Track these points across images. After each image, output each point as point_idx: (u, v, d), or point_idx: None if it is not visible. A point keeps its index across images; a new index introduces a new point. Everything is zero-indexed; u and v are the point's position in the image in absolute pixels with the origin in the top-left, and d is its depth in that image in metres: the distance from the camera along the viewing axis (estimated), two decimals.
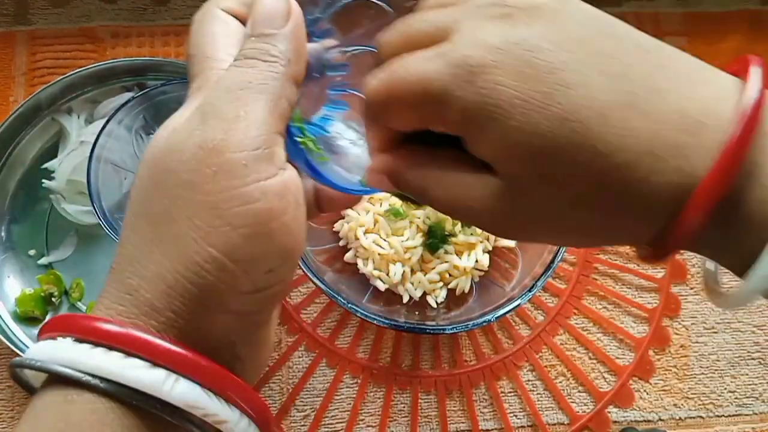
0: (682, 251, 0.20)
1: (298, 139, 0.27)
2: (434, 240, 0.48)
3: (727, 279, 0.25)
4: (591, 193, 0.21)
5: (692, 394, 0.52)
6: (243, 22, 0.25)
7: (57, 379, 0.20)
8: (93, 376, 0.20)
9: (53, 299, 0.50)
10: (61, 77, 0.52)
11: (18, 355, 0.46)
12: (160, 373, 0.20)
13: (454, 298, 0.50)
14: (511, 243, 0.50)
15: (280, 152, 0.22)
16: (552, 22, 0.21)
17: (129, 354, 0.20)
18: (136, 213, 0.22)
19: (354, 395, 0.51)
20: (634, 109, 0.20)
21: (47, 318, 0.50)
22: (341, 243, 0.51)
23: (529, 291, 0.44)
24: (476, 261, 0.49)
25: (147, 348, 0.20)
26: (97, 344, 0.20)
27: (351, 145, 0.30)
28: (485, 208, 0.22)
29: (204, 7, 0.25)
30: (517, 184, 0.21)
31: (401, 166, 0.24)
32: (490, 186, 0.22)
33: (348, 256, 0.50)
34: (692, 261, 0.55)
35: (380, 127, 0.24)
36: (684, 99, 0.20)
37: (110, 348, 0.20)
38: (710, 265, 0.26)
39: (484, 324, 0.44)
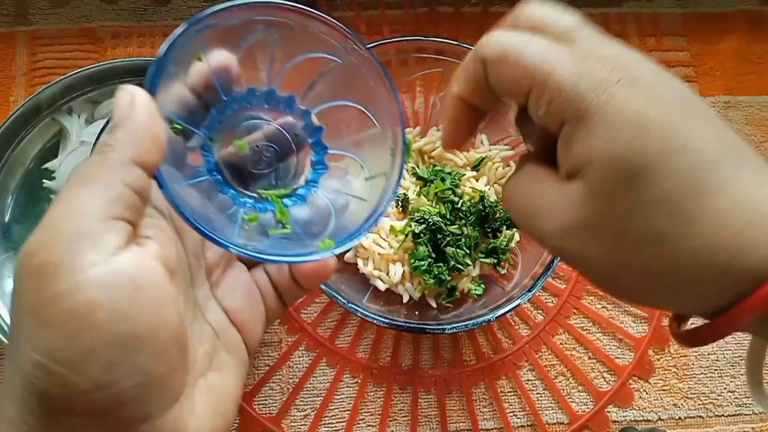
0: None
1: (246, 217, 0.27)
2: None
3: None
4: (655, 245, 0.21)
5: (692, 393, 0.52)
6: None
7: None
8: None
9: None
10: (62, 77, 0.52)
11: None
12: None
13: (454, 298, 0.50)
14: (511, 243, 0.50)
15: (110, 239, 0.21)
16: (668, 82, 0.23)
17: None
18: None
19: (354, 395, 0.51)
20: (724, 181, 0.21)
21: None
22: None
23: (529, 291, 0.44)
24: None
25: None
26: None
27: (324, 210, 0.29)
28: (562, 215, 0.23)
29: None
30: (599, 197, 0.22)
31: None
32: (571, 194, 0.23)
33: (348, 256, 0.50)
34: None
35: (475, 71, 0.25)
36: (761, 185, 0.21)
37: None
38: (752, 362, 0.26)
39: (484, 324, 0.44)
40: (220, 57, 0.26)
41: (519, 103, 0.25)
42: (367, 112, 0.29)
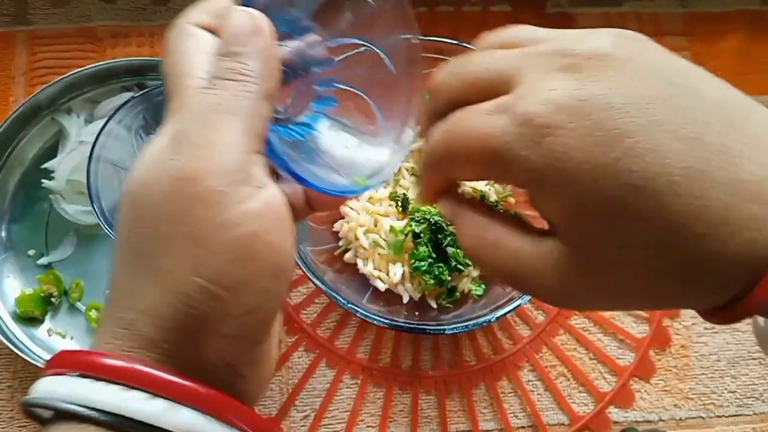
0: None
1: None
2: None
3: None
4: (663, 261, 0.20)
5: (693, 394, 0.52)
6: (217, 34, 0.25)
7: (62, 415, 0.21)
8: (95, 410, 0.20)
9: (53, 299, 0.50)
10: (61, 77, 0.52)
11: (17, 354, 0.46)
12: (159, 404, 0.20)
13: (455, 299, 0.50)
14: None
15: (257, 172, 0.22)
16: (622, 75, 0.20)
17: (128, 387, 0.20)
18: (122, 246, 0.22)
19: (354, 396, 0.50)
20: (707, 177, 0.19)
21: (46, 318, 0.51)
22: (341, 243, 0.51)
23: None
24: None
25: (146, 380, 0.21)
26: (97, 378, 0.21)
27: (339, 143, 0.29)
28: (545, 277, 0.22)
29: (176, 24, 0.25)
30: (584, 250, 0.21)
31: (459, 222, 0.25)
32: (553, 253, 0.21)
33: (348, 256, 0.50)
34: None
35: (437, 175, 0.25)
36: (757, 165, 0.19)
37: (110, 382, 0.21)
38: (762, 322, 0.25)
39: (485, 324, 0.44)
40: None
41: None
42: (382, 55, 0.30)
